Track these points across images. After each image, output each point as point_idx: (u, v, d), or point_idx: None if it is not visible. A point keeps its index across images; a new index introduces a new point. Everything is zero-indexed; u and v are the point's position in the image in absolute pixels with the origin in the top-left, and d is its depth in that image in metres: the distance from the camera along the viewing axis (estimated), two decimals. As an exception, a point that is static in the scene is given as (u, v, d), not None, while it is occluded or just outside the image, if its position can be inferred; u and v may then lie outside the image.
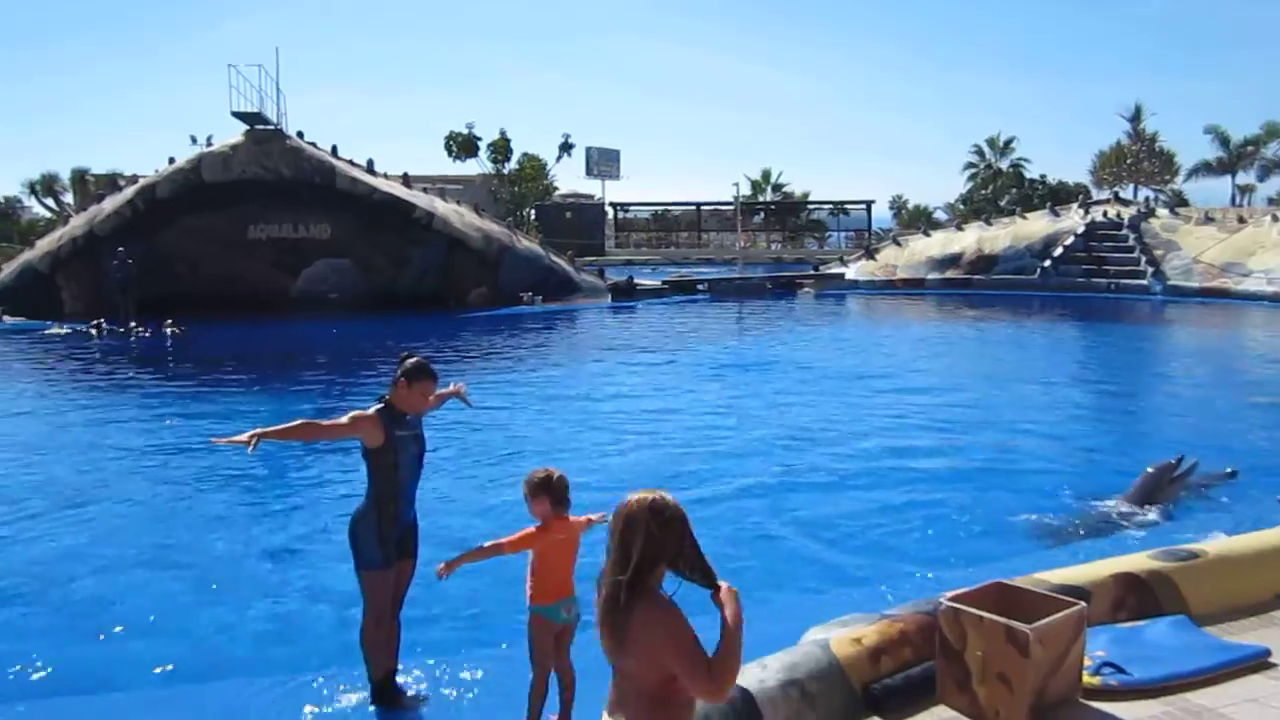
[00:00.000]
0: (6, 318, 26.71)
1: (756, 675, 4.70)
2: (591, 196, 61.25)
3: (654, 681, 2.93)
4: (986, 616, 4.76)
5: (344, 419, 5.36)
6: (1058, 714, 4.78)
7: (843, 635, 5.10)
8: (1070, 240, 34.71)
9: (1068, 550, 7.76)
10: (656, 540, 2.92)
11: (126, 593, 7.60)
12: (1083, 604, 5.00)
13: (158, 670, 6.29)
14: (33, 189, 63.18)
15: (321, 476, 11.22)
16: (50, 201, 62.94)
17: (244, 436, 5.07)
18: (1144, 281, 32.50)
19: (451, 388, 6.20)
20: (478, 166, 58.66)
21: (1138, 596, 5.92)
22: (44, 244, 29.24)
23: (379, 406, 5.41)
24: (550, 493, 5.10)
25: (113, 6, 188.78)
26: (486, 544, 5.19)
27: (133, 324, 24.80)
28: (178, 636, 6.80)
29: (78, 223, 29.20)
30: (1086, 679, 5.04)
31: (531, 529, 5.13)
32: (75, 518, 9.49)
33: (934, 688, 4.98)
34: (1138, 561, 6.19)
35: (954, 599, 4.96)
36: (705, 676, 2.85)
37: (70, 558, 8.40)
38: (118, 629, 6.93)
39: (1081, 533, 8.68)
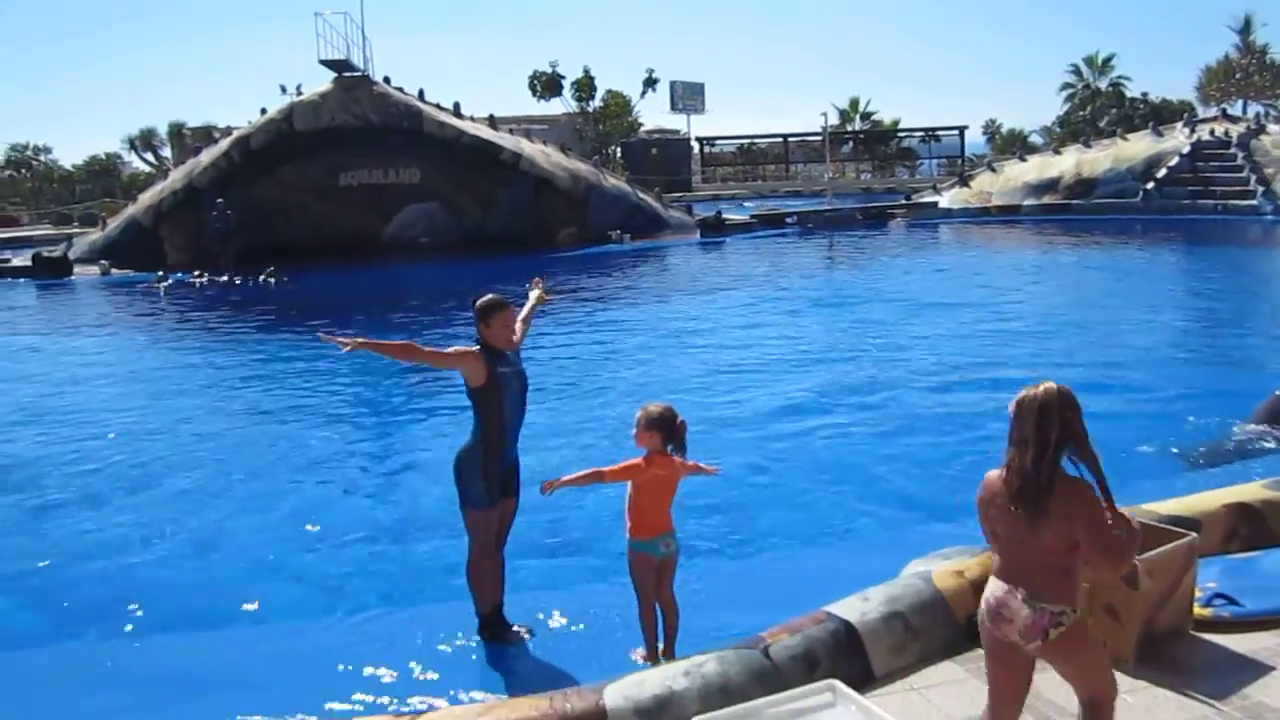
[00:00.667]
0: (114, 270, 27.58)
1: (858, 607, 4.72)
2: (677, 132, 60.69)
3: (1063, 551, 3.33)
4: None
5: (449, 349, 5.43)
6: (1168, 645, 4.71)
7: (945, 568, 5.08)
8: (1174, 161, 33.37)
9: (1184, 479, 7.56)
10: (1068, 423, 3.31)
11: (232, 534, 7.87)
12: (1193, 535, 4.90)
13: (262, 608, 6.50)
14: (132, 144, 64.86)
15: (423, 411, 11.46)
16: (149, 156, 64.59)
17: (346, 340, 5.17)
18: (1254, 202, 31.16)
19: (532, 297, 6.19)
20: (562, 105, 58.52)
21: (1251, 527, 5.78)
22: (145, 198, 30.06)
23: (478, 348, 5.45)
24: (665, 430, 5.12)
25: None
26: (589, 470, 5.25)
27: (233, 273, 25.41)
28: (285, 576, 7.04)
29: (177, 176, 29.93)
30: (1197, 610, 4.95)
31: (637, 460, 5.13)
32: (181, 460, 9.84)
33: (1039, 620, 4.94)
34: (1251, 491, 6.03)
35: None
36: (1113, 545, 3.32)
37: (178, 499, 8.73)
38: (225, 568, 7.20)
39: (1201, 460, 8.46)
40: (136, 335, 18.72)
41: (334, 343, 5.20)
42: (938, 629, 4.78)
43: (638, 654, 5.34)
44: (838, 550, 6.89)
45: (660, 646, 5.31)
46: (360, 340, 5.22)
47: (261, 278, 24.73)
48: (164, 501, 8.67)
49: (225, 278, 25.21)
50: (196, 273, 25.68)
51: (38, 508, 8.62)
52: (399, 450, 10.30)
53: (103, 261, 27.95)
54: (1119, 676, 4.41)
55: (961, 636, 4.79)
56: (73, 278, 27.37)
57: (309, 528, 7.83)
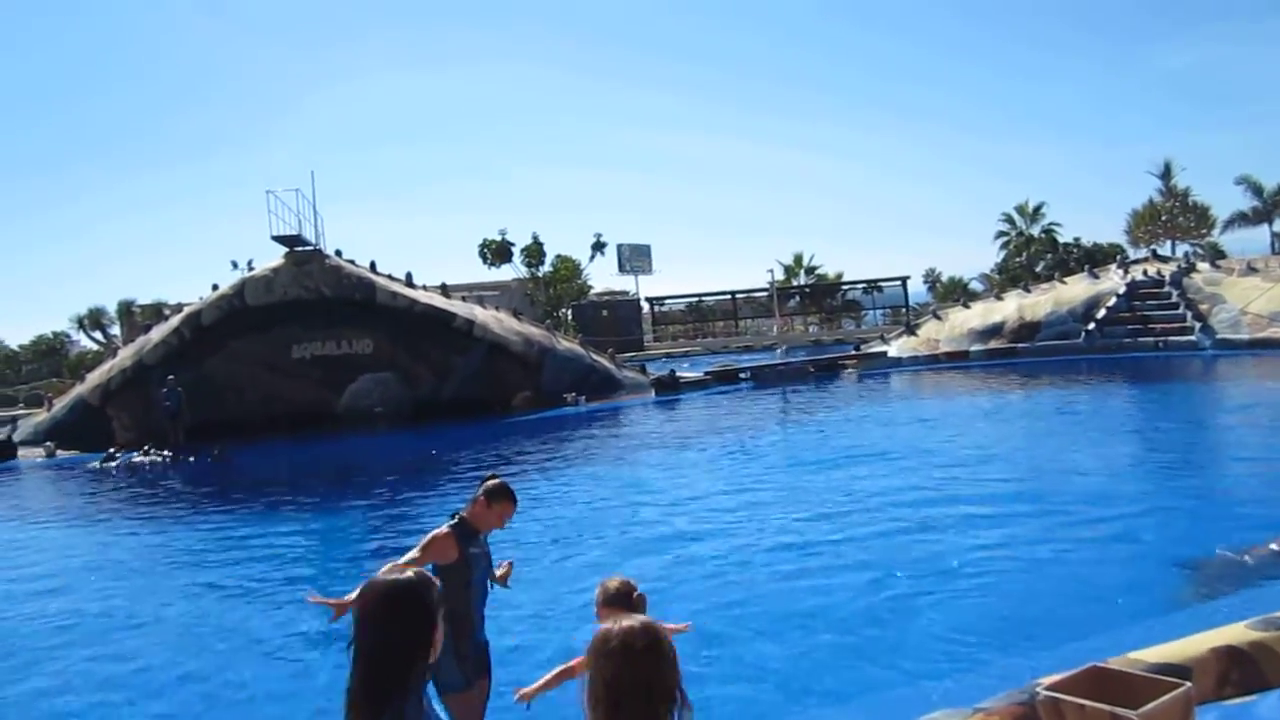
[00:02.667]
0: (60, 451, 27.03)
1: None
2: (626, 293, 61.68)
3: None
4: (1089, 704, 4.51)
5: (418, 550, 5.25)
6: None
7: (936, 735, 4.87)
8: (1113, 301, 34.34)
9: (1164, 621, 7.44)
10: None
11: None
12: (1188, 684, 4.74)
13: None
14: (80, 323, 64.68)
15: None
16: (98, 334, 64.35)
17: (336, 602, 4.94)
18: (1192, 338, 32.02)
19: (502, 567, 5.86)
20: (513, 271, 59.47)
21: (1242, 670, 5.63)
22: (94, 377, 29.74)
23: (453, 523, 5.37)
24: (624, 605, 4.78)
25: (148, 140, 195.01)
26: (559, 668, 4.98)
27: (180, 451, 25.04)
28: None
29: (126, 354, 29.71)
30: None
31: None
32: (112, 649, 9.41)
33: (1039, 783, 4.72)
34: (1236, 633, 5.90)
35: (1051, 687, 4.72)
36: None
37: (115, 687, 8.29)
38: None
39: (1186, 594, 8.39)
40: (77, 520, 18.21)
41: (325, 604, 5.03)
42: (935, 801, 4.55)
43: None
44: (825, 714, 6.64)
45: None
46: (351, 598, 5.01)
47: (210, 456, 24.37)
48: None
49: (171, 456, 24.80)
50: (143, 450, 25.24)
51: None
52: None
53: (48, 443, 27.40)
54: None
55: (960, 807, 4.56)
56: (17, 460, 26.74)
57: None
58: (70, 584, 12.58)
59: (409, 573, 2.89)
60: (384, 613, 2.80)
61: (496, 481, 5.51)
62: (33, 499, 21.50)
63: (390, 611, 2.80)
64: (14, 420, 31.07)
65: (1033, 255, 63.52)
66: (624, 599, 4.85)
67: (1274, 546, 9.45)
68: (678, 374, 33.41)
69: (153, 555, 14.34)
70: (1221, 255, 44.75)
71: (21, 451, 27.36)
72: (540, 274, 60.12)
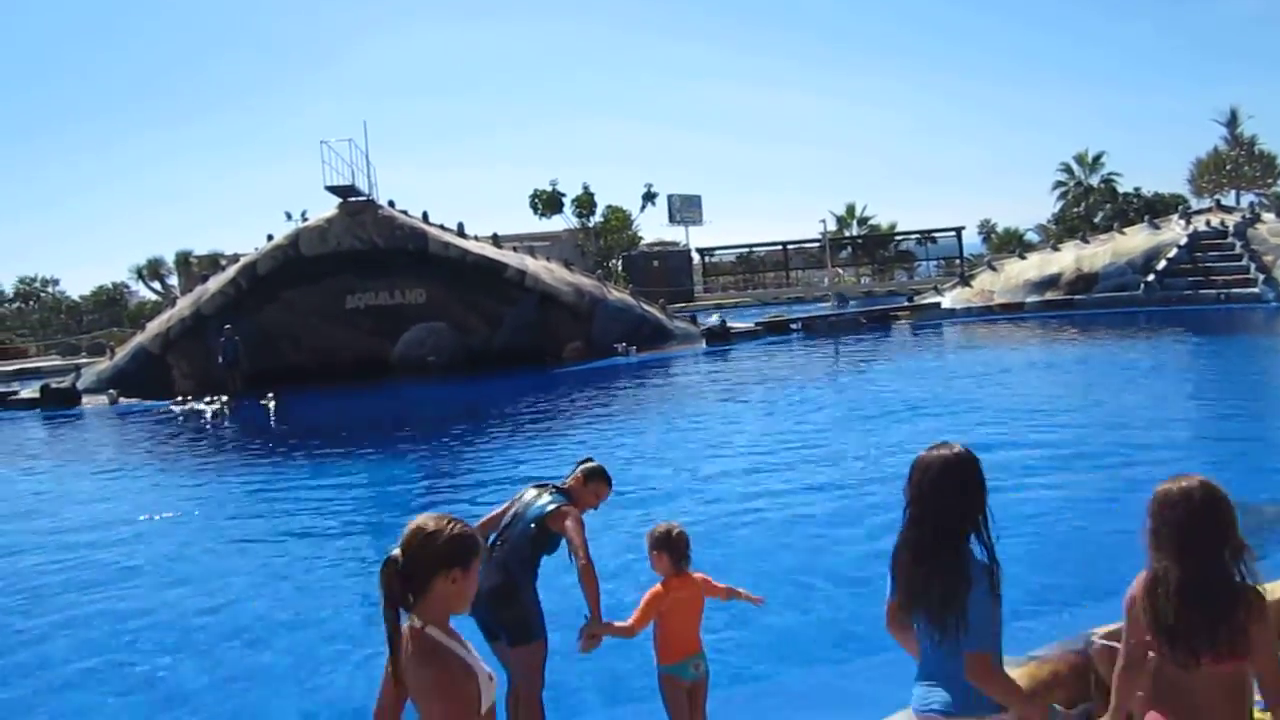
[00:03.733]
0: (122, 399, 27.62)
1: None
2: (677, 244, 61.44)
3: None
4: (1146, 654, 4.50)
5: (579, 532, 5.26)
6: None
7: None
8: (1173, 253, 33.63)
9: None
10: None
11: (222, 669, 7.66)
12: None
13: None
14: (139, 274, 65.79)
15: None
16: (156, 285, 65.43)
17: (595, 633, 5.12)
18: (1255, 290, 31.31)
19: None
20: (563, 222, 59.38)
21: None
22: (154, 326, 30.27)
23: (563, 498, 5.46)
24: (669, 549, 5.07)
25: (206, 95, 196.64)
26: (618, 624, 5.12)
27: (237, 400, 25.53)
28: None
29: (184, 303, 30.20)
30: (1257, 715, 4.73)
31: (654, 589, 5.08)
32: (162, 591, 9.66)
33: (1092, 731, 4.73)
34: (1297, 584, 5.83)
35: (1107, 636, 4.71)
36: None
37: (169, 628, 8.53)
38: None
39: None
40: (129, 463, 18.70)
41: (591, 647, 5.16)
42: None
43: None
44: (872, 666, 6.66)
45: None
46: (598, 624, 5.12)
47: (262, 402, 24.84)
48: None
49: (230, 404, 25.27)
50: (204, 399, 25.74)
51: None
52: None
53: (110, 391, 28.00)
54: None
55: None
56: (81, 407, 27.38)
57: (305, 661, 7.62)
58: (127, 528, 12.92)
59: (958, 446, 3.50)
60: (943, 478, 3.42)
61: (595, 464, 5.65)
62: (96, 444, 22.04)
63: (949, 477, 3.42)
64: (78, 369, 31.73)
65: (1091, 205, 62.27)
66: (665, 542, 5.09)
67: None
68: (728, 324, 33.34)
69: (213, 500, 14.66)
70: (1288, 205, 43.55)
71: (85, 399, 27.98)
72: (591, 225, 60.00)
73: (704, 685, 5.15)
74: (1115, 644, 4.59)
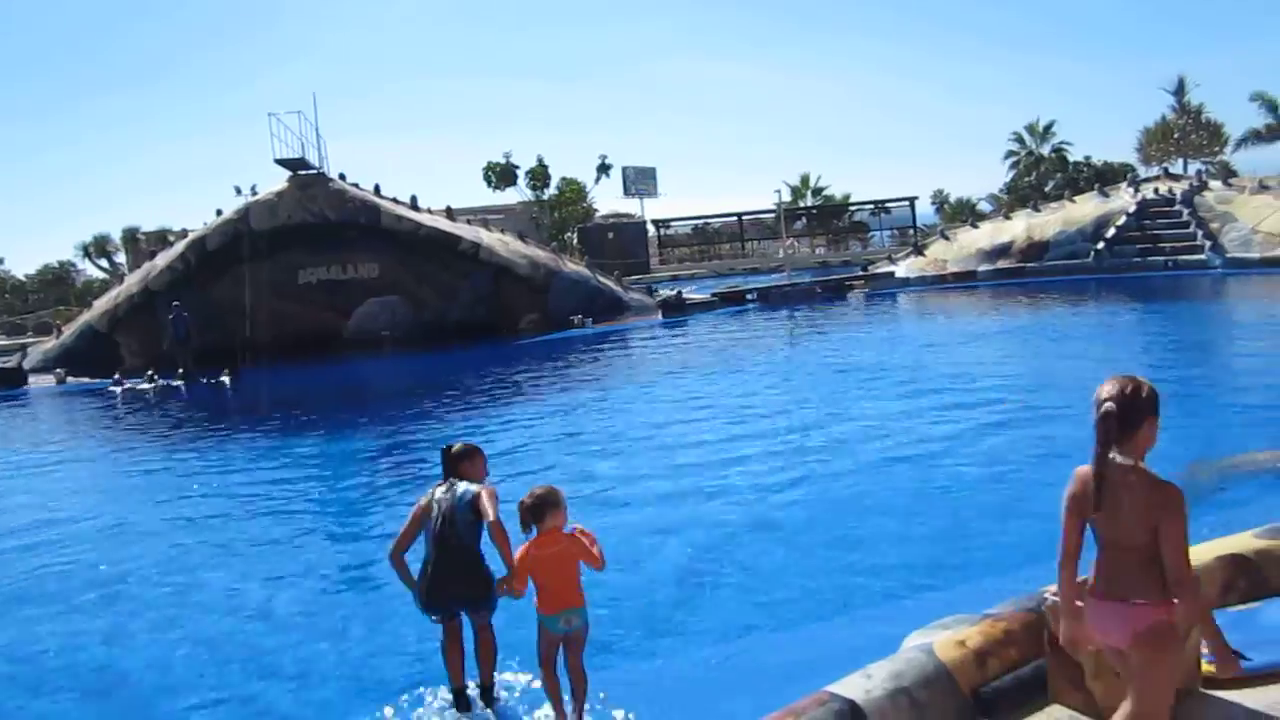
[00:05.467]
0: (70, 378, 27.18)
1: (862, 685, 4.54)
2: (632, 215, 61.30)
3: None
4: (1097, 609, 4.57)
5: (493, 504, 5.59)
6: (1179, 705, 4.56)
7: (946, 638, 4.92)
8: (1122, 220, 34.06)
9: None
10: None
11: (201, 644, 7.60)
12: (1195, 590, 4.79)
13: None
14: (86, 251, 64.55)
15: (358, 514, 11.22)
16: (104, 262, 64.28)
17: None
18: (1202, 256, 31.79)
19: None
20: (517, 194, 59.02)
21: (1247, 578, 5.68)
22: (101, 303, 29.79)
23: (471, 482, 5.86)
24: (526, 511, 5.46)
25: (149, 66, 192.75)
26: (514, 568, 5.46)
27: (190, 376, 25.19)
28: (265, 677, 6.78)
29: (132, 280, 29.73)
30: (1205, 667, 4.83)
31: (519, 551, 5.44)
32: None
33: (1046, 687, 4.80)
34: (1242, 542, 5.94)
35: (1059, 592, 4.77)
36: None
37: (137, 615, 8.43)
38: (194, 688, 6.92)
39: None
40: (79, 443, 18.39)
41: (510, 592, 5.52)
42: (944, 703, 4.62)
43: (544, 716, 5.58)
44: (831, 626, 6.73)
45: (571, 714, 5.50)
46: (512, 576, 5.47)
47: (218, 379, 24.52)
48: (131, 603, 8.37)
49: (182, 381, 24.94)
50: (149, 375, 25.38)
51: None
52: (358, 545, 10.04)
53: (58, 370, 27.55)
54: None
55: (968, 709, 4.64)
56: (28, 387, 26.89)
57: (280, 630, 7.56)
58: (75, 506, 12.72)
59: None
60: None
61: (460, 446, 6.03)
62: (44, 424, 21.67)
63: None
64: (24, 348, 31.18)
65: (1042, 175, 62.83)
66: (523, 503, 5.46)
67: (1264, 456, 9.61)
68: (684, 296, 33.35)
69: (153, 480, 14.46)
70: (1234, 173, 44.16)
71: (32, 378, 27.50)
72: (545, 197, 59.67)
73: (578, 638, 5.47)
74: (1068, 600, 4.66)
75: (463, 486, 5.77)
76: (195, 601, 8.52)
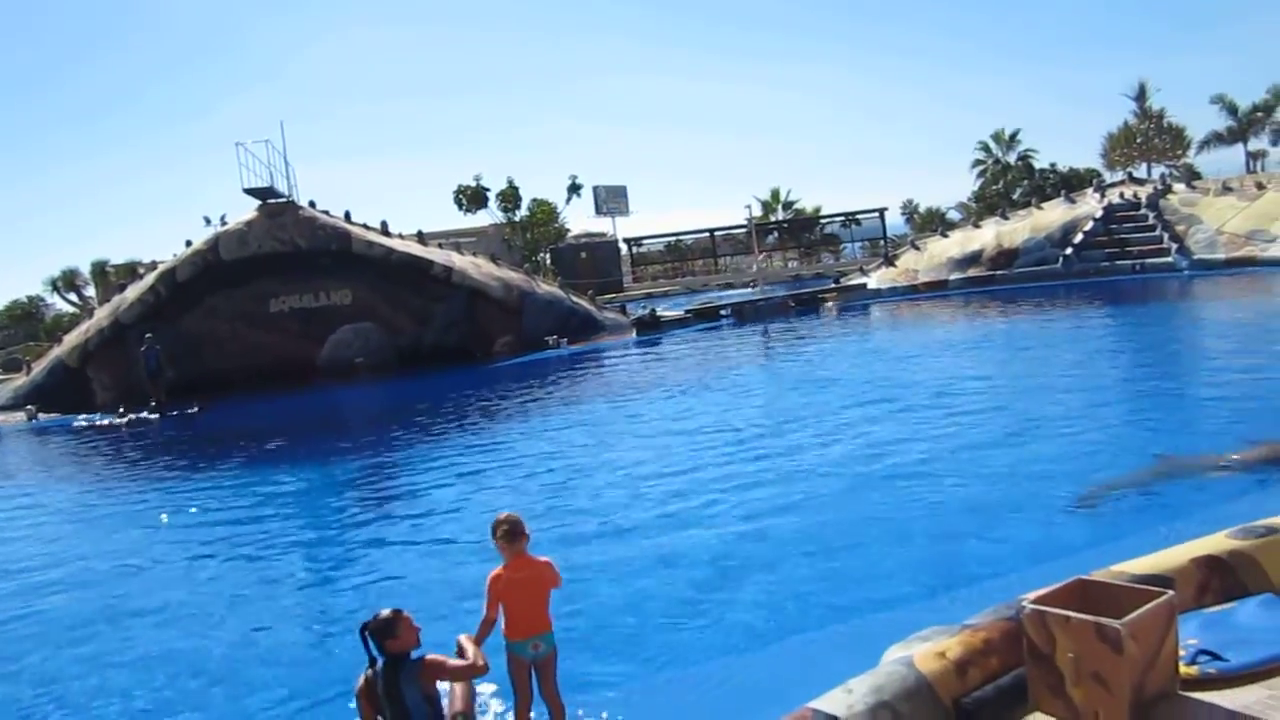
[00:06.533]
0: (41, 415, 26.91)
1: (843, 700, 4.54)
2: (604, 235, 61.31)
3: None
4: (1073, 616, 4.58)
5: (453, 673, 5.19)
6: (1158, 709, 4.59)
7: (926, 650, 4.93)
8: (1089, 225, 34.38)
9: (1146, 536, 7.56)
10: None
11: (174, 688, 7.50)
12: (1170, 593, 4.82)
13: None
14: (54, 285, 63.91)
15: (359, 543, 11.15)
16: (73, 296, 63.67)
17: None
18: (1169, 259, 32.11)
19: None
20: (489, 217, 58.87)
21: (1222, 579, 5.72)
22: (71, 338, 29.51)
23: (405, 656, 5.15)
24: (500, 537, 5.49)
25: (112, 98, 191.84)
26: (480, 625, 5.44)
27: (161, 409, 25.02)
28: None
29: (102, 314, 29.47)
30: (1183, 669, 4.85)
31: (490, 576, 5.50)
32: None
33: (1026, 695, 4.81)
34: (1216, 543, 5.99)
35: (1036, 600, 4.79)
36: None
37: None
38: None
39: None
40: (50, 481, 18.21)
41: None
42: (926, 714, 4.62)
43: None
44: (810, 641, 6.73)
45: None
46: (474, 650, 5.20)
47: (188, 412, 24.40)
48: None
49: (153, 414, 24.74)
50: (120, 411, 25.20)
51: None
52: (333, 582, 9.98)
53: (29, 407, 27.26)
54: (1116, 747, 4.30)
55: (949, 720, 4.65)
56: (-3, 426, 26.61)
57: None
58: (61, 549, 12.58)
59: None
60: None
61: (382, 617, 5.07)
62: (13, 463, 21.43)
63: None
64: (-8, 385, 30.82)
65: (1009, 182, 63.33)
66: (493, 530, 5.54)
67: (1236, 456, 9.72)
68: (658, 313, 33.38)
69: (134, 515, 14.31)
70: (1197, 176, 44.71)
71: (1, 416, 27.20)
72: (517, 218, 59.55)
73: (550, 662, 5.51)
74: (1044, 607, 4.68)
75: (406, 666, 5.06)
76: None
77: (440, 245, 31.69)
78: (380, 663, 5.07)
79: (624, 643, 6.91)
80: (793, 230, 65.36)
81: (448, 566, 9.50)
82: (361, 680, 5.11)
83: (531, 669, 5.50)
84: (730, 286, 49.31)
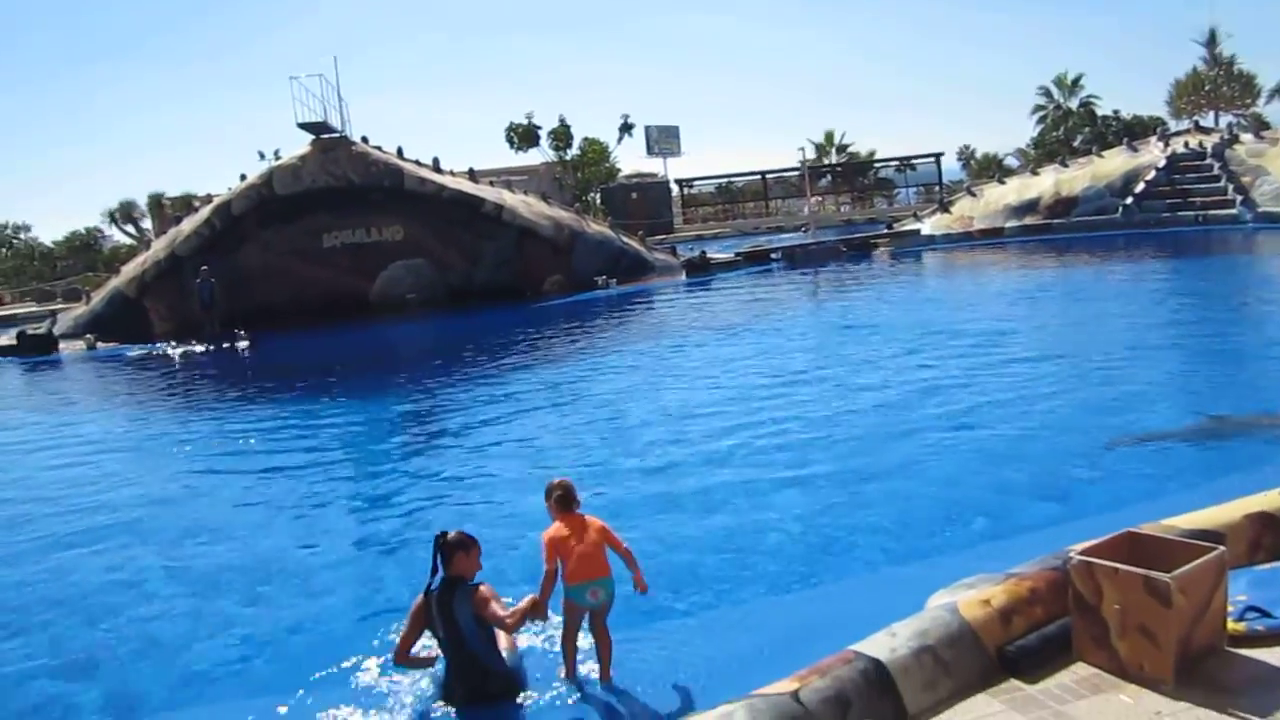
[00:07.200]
0: (100, 344, 27.45)
1: (886, 644, 4.58)
2: (655, 175, 60.95)
3: None
4: (1122, 568, 4.57)
5: (500, 608, 5.50)
6: (1204, 664, 4.58)
7: (970, 597, 4.95)
8: (1151, 175, 33.63)
9: (1197, 493, 7.48)
10: None
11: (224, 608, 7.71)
12: (1221, 548, 4.78)
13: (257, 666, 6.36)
14: (112, 217, 64.84)
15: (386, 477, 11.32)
16: (130, 228, 64.59)
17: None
18: (1233, 211, 31.36)
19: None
20: (540, 155, 58.73)
21: (1274, 536, 5.67)
22: (129, 269, 29.97)
23: (465, 582, 5.66)
24: (553, 499, 5.73)
25: (172, 30, 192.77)
26: (543, 581, 5.53)
27: (214, 341, 25.46)
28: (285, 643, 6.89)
29: (159, 246, 29.88)
30: (1231, 625, 4.83)
31: (545, 533, 5.66)
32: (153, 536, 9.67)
33: (1070, 646, 4.81)
34: (1270, 500, 5.92)
35: (1084, 552, 4.78)
36: None
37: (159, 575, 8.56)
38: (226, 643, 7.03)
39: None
40: (108, 408, 18.64)
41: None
42: (968, 661, 4.65)
43: (560, 671, 5.73)
44: (856, 585, 6.76)
45: (598, 671, 5.69)
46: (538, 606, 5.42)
47: (236, 343, 24.79)
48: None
49: (204, 346, 25.18)
50: (173, 343, 25.68)
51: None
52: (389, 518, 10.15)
53: (88, 335, 27.81)
54: (1160, 699, 4.31)
55: (993, 667, 4.67)
56: (59, 353, 27.18)
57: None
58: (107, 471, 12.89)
59: None
60: None
61: (450, 537, 5.65)
62: (73, 390, 21.94)
63: None
64: (54, 314, 31.40)
65: (1070, 129, 61.88)
66: (547, 492, 5.79)
67: None
68: (708, 255, 33.24)
69: (183, 444, 14.62)
70: (1266, 126, 43.36)
71: (62, 344, 27.76)
72: (568, 157, 59.36)
73: (603, 609, 5.63)
74: (1092, 559, 4.67)
75: (462, 590, 5.55)
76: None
77: (491, 183, 31.67)
78: (439, 582, 5.56)
79: (669, 580, 6.98)
80: (846, 174, 64.55)
81: (494, 500, 9.63)
82: (420, 599, 5.60)
83: (586, 614, 5.62)
84: (781, 230, 48.93)
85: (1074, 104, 63.27)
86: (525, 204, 30.60)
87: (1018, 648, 4.74)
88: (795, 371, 15.08)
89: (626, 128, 60.36)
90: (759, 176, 62.39)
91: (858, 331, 18.63)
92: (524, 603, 5.30)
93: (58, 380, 23.46)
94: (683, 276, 31.33)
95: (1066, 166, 36.59)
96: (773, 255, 34.39)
